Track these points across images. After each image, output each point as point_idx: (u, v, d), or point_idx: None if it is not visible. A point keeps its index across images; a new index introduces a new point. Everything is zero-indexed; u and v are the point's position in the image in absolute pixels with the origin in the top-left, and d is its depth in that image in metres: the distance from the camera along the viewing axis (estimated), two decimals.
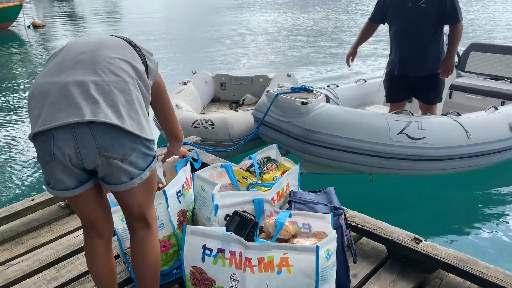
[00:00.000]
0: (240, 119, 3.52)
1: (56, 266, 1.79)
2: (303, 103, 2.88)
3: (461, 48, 4.88)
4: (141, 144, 1.22)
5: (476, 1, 21.02)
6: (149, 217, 1.38)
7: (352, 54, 3.39)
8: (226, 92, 4.93)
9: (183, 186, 1.79)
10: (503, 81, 4.24)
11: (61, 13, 19.82)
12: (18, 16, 14.05)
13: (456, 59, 3.80)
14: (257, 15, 17.50)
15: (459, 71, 4.52)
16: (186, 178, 1.83)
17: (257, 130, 3.21)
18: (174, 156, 1.84)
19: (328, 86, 3.87)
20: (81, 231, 2.03)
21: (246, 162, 1.91)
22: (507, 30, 11.47)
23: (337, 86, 3.95)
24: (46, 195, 2.20)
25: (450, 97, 4.26)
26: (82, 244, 1.72)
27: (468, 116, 3.15)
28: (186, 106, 3.90)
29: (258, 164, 1.89)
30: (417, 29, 2.98)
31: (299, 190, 1.90)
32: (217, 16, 17.39)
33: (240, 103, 4.72)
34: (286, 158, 2.03)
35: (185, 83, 4.41)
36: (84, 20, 17.34)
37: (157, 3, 26.70)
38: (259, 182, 1.79)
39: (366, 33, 3.38)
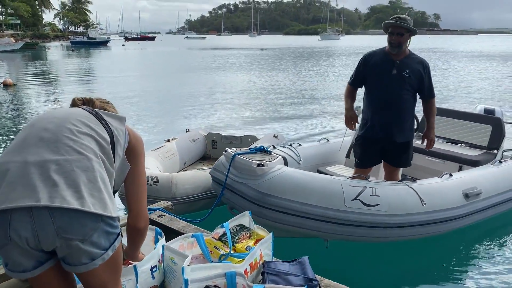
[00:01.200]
0: (186, 177, 3.49)
1: None
2: (259, 165, 2.87)
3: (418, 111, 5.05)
4: (104, 223, 1.18)
5: (436, 66, 22.32)
6: None
7: (355, 118, 3.37)
8: (216, 151, 5.01)
9: (159, 261, 1.71)
10: (461, 144, 4.37)
11: (34, 72, 19.69)
12: None
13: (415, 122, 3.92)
14: (234, 75, 18.06)
15: (420, 133, 4.64)
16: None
17: (222, 194, 3.08)
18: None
19: (290, 145, 3.90)
20: None
21: (219, 231, 1.90)
22: (465, 94, 12.08)
23: (300, 145, 3.98)
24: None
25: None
26: None
27: (423, 183, 3.19)
28: (154, 164, 3.88)
29: (230, 232, 1.89)
30: (400, 97, 3.11)
31: (273, 260, 1.88)
32: (194, 76, 17.85)
33: None
34: (259, 226, 2.02)
35: (168, 141, 4.49)
36: (58, 79, 17.37)
37: (131, 63, 27.34)
38: (232, 252, 1.79)
39: (351, 96, 3.40)
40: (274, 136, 4.72)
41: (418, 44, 55.81)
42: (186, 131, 4.99)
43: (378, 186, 2.98)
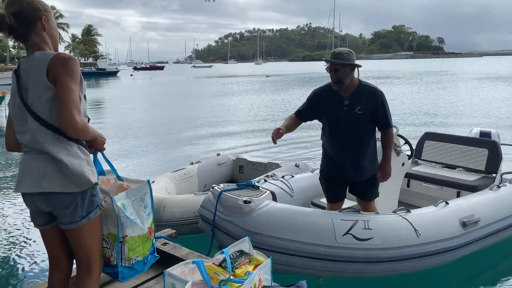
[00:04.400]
0: (177, 201, 3.58)
1: None
2: (245, 202, 2.80)
3: (416, 137, 5.00)
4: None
5: (429, 90, 22.37)
6: (93, 261, 1.73)
7: (280, 134, 2.91)
8: (243, 175, 5.14)
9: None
10: (459, 169, 4.28)
11: None
12: (0, 107, 13.37)
13: (405, 147, 3.86)
14: (250, 100, 18.39)
15: (416, 159, 4.57)
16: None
17: (214, 233, 2.94)
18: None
19: (283, 177, 3.84)
20: None
21: (219, 257, 1.95)
22: (459, 118, 11.97)
23: (293, 176, 3.92)
24: None
25: (408, 186, 4.26)
26: None
27: (418, 213, 3.09)
28: (164, 185, 4.02)
29: (230, 258, 1.94)
30: (354, 135, 2.94)
31: (272, 285, 1.95)
32: (205, 102, 18.13)
33: None
34: (259, 252, 2.08)
35: (192, 163, 4.75)
36: None
37: (140, 92, 27.88)
38: (231, 277, 1.84)
39: (291, 126, 3.09)
40: (296, 165, 4.69)
41: (424, 68, 56.07)
42: (217, 155, 5.26)
43: (371, 218, 2.88)
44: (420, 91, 21.65)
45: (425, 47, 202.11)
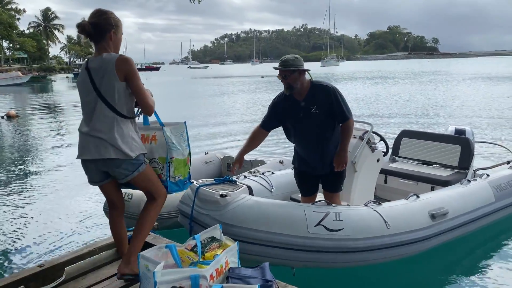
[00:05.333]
0: None
1: None
2: (222, 196, 2.93)
3: (393, 135, 5.15)
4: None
5: (421, 90, 22.54)
6: (154, 193, 2.43)
7: (239, 162, 3.28)
8: (231, 173, 5.18)
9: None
10: (435, 165, 4.43)
11: (39, 104, 20.21)
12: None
13: (382, 145, 4.00)
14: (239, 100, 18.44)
15: (394, 156, 4.72)
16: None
17: (191, 227, 3.09)
18: None
19: (263, 174, 3.97)
20: None
21: (191, 243, 2.08)
22: (436, 115, 12.24)
23: (273, 173, 4.05)
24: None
25: (385, 182, 4.40)
26: None
27: (388, 205, 3.23)
28: None
29: (202, 243, 2.10)
30: (316, 133, 3.08)
31: (238, 267, 2.07)
32: (200, 102, 18.30)
33: None
34: (228, 237, 2.23)
35: None
36: (62, 110, 17.81)
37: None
38: (201, 260, 1.98)
39: (256, 140, 3.32)
40: (280, 162, 4.82)
41: (418, 68, 56.38)
42: (205, 153, 5.36)
43: (342, 210, 3.01)
44: (412, 91, 21.87)
45: (420, 48, 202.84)
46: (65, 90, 32.34)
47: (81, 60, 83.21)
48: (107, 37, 2.30)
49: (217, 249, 2.12)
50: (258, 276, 1.96)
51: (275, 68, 3.07)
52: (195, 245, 2.05)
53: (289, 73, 2.97)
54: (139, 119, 2.50)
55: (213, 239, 2.19)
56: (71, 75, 58.89)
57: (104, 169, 2.32)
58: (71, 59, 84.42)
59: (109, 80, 2.22)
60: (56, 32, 77.40)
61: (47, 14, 76.26)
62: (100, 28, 2.28)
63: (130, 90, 2.28)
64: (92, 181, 2.42)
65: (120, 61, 2.23)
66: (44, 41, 69.90)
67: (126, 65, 2.24)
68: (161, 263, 1.84)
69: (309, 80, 3.09)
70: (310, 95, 3.04)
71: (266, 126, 3.28)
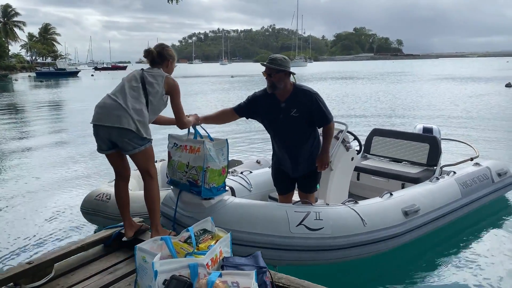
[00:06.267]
0: (137, 196, 3.56)
1: None
2: (205, 198, 2.96)
3: (364, 134, 5.34)
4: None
5: (374, 89, 23.22)
6: (150, 171, 2.79)
7: (196, 118, 3.08)
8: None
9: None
10: (404, 163, 4.64)
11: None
12: None
13: (356, 144, 4.14)
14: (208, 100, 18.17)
15: (366, 154, 4.90)
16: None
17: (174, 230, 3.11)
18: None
19: (241, 173, 4.03)
20: None
21: (184, 235, 2.18)
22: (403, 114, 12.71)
23: (251, 172, 4.11)
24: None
25: (358, 179, 4.57)
26: None
27: (365, 204, 3.37)
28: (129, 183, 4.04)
29: (194, 235, 2.18)
30: (291, 136, 3.14)
31: (232, 256, 2.19)
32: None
33: None
34: (220, 228, 2.34)
35: (156, 161, 4.54)
36: (24, 110, 17.19)
37: (101, 93, 26.78)
38: (195, 251, 2.07)
39: (223, 116, 3.32)
40: (257, 161, 4.86)
41: (384, 69, 58.00)
42: None
43: (322, 210, 3.12)
44: (381, 90, 22.54)
45: (385, 49, 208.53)
46: (27, 90, 31.12)
47: (43, 58, 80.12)
48: (164, 63, 2.92)
49: (210, 240, 2.20)
50: (252, 264, 2.09)
51: (262, 64, 3.11)
52: (189, 237, 2.15)
53: (275, 72, 3.02)
54: (191, 135, 3.01)
55: (205, 231, 2.28)
56: (33, 74, 56.62)
57: (114, 138, 2.66)
58: (33, 58, 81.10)
59: (157, 85, 2.76)
60: (16, 30, 74.34)
61: (6, 11, 73.09)
62: (163, 57, 2.90)
63: (171, 105, 2.85)
64: (100, 149, 2.77)
65: (170, 79, 2.83)
66: (4, 39, 66.82)
67: (173, 83, 2.82)
68: (157, 254, 1.91)
69: (292, 82, 3.15)
70: (292, 98, 3.09)
71: (239, 111, 3.27)
